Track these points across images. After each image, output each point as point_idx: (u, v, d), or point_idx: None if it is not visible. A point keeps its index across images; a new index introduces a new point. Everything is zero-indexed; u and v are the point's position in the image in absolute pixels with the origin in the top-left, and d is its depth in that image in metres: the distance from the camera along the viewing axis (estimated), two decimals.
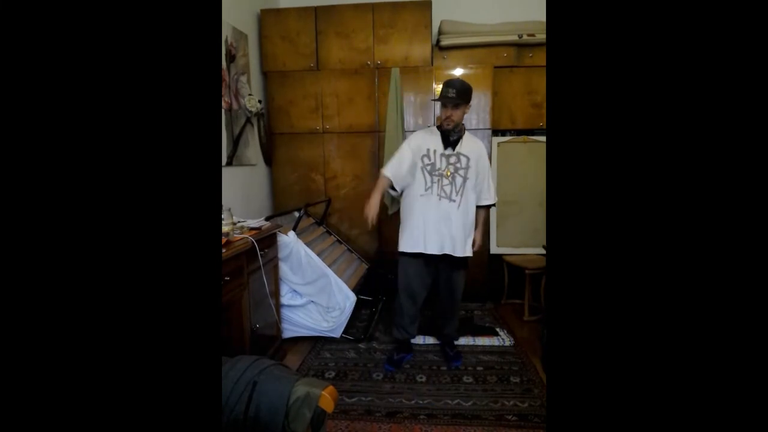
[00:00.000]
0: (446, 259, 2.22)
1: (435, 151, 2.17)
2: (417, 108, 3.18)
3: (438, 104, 3.12)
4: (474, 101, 3.12)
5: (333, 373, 2.29)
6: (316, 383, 1.18)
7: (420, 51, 3.11)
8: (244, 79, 2.88)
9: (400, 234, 2.29)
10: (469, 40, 3.14)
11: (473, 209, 2.25)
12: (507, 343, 2.60)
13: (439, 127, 2.21)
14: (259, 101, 3.01)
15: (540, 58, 3.13)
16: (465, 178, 2.17)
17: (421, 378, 2.22)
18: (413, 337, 2.45)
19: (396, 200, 3.16)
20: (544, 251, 2.81)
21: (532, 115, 3.22)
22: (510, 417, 1.87)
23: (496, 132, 3.24)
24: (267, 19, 3.17)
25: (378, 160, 3.15)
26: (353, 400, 2.02)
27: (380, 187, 2.21)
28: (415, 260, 2.26)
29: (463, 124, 2.20)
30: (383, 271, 3.18)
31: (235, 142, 2.74)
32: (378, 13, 3.08)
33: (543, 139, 3.24)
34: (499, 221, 3.34)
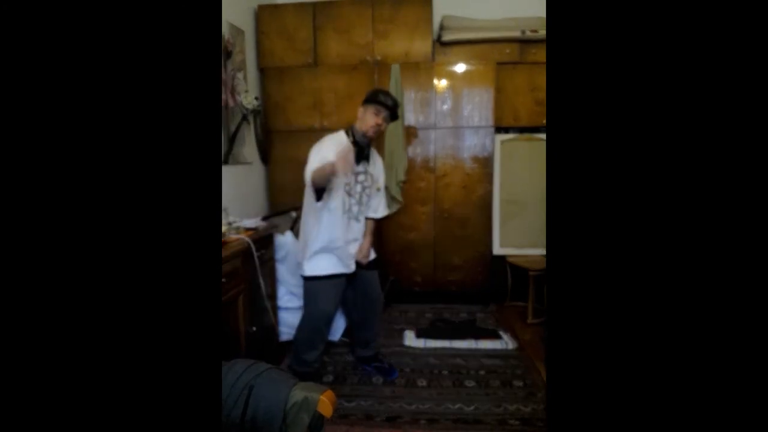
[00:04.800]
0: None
1: None
2: (417, 104, 3.12)
3: (443, 102, 3.12)
4: (476, 98, 3.09)
5: (332, 377, 2.24)
6: (314, 387, 1.16)
7: (421, 47, 3.05)
8: (240, 75, 2.82)
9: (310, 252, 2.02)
10: (472, 35, 3.09)
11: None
12: (510, 347, 2.54)
13: (360, 136, 2.03)
14: (256, 98, 2.94)
15: (543, 54, 3.06)
16: (369, 197, 2.13)
17: (421, 382, 2.16)
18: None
19: (396, 200, 3.11)
20: None
21: (536, 113, 3.16)
22: (513, 422, 1.82)
23: (498, 129, 3.19)
24: (264, 14, 3.12)
25: None
26: (352, 404, 1.97)
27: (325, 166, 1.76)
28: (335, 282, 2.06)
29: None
30: (383, 271, 3.11)
31: (231, 140, 2.69)
32: (378, 8, 3.03)
33: None
34: (502, 221, 3.28)
